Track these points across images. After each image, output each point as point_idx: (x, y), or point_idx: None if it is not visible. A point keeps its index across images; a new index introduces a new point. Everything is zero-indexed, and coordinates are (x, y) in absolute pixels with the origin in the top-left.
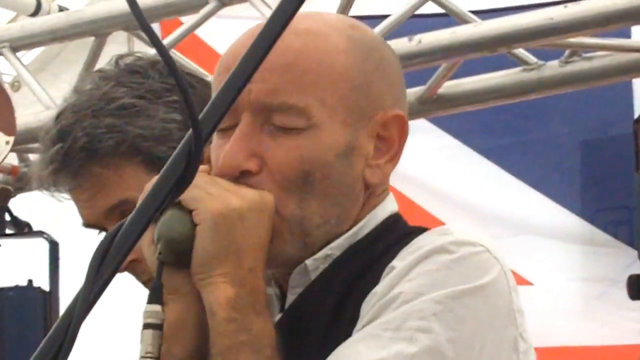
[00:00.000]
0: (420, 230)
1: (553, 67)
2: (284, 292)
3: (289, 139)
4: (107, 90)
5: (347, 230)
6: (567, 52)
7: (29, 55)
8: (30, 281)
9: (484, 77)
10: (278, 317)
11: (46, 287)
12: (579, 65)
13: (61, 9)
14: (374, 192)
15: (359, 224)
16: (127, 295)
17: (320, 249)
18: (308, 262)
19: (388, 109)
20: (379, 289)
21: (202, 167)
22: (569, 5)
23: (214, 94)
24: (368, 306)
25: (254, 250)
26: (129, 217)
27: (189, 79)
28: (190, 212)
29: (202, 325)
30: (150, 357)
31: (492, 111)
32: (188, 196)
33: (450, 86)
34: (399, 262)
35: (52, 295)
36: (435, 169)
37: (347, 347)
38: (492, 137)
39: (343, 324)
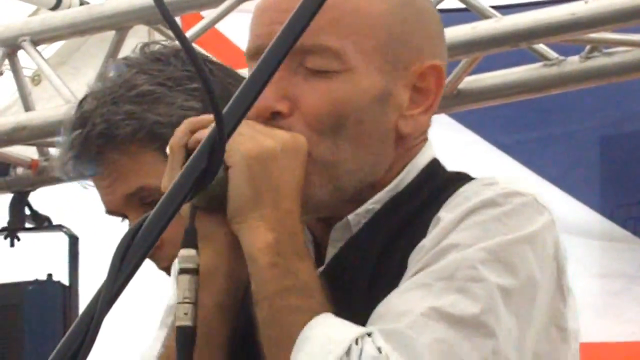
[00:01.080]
0: (461, 176)
1: (573, 63)
2: (317, 243)
3: (322, 81)
4: (129, 77)
5: (380, 179)
6: (587, 47)
7: (49, 49)
8: (49, 275)
9: (504, 72)
10: (319, 270)
11: (66, 281)
12: (599, 61)
13: (82, 3)
14: (409, 143)
15: (398, 176)
16: (148, 290)
17: (352, 196)
18: (350, 217)
19: (426, 60)
20: (426, 241)
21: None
22: (590, 0)
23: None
24: (416, 258)
25: (290, 192)
26: (152, 211)
27: (210, 66)
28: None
29: (233, 274)
30: (188, 302)
31: (512, 106)
32: None
33: (471, 81)
34: (446, 214)
35: (71, 290)
36: (454, 164)
37: (397, 296)
38: (512, 133)
39: (388, 276)
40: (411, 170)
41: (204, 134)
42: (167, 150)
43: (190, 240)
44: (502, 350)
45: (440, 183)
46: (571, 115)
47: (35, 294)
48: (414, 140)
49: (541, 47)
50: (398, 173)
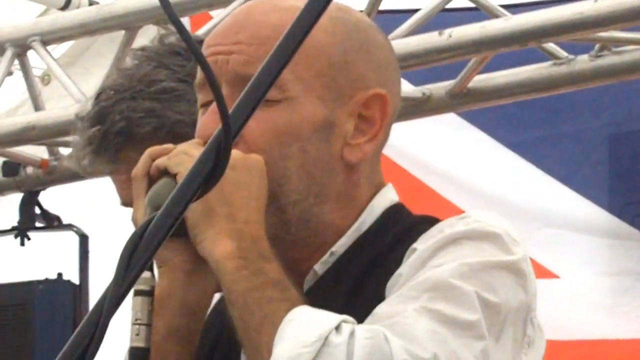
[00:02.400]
0: (429, 218)
1: (583, 61)
2: None
3: (263, 111)
4: (148, 72)
5: (335, 218)
6: (597, 46)
7: (59, 49)
8: (60, 274)
9: (514, 71)
10: None
11: (76, 280)
12: (609, 60)
13: (91, 3)
14: (358, 176)
15: (359, 218)
16: None
17: (296, 228)
18: (316, 266)
19: (371, 89)
20: (403, 270)
21: (193, 140)
22: None
23: (199, 95)
24: (396, 286)
25: (246, 205)
26: (159, 211)
27: None
28: (175, 176)
29: (188, 302)
30: (140, 324)
31: (521, 105)
32: (172, 162)
33: (481, 80)
34: (421, 245)
35: (81, 289)
36: (463, 162)
37: (383, 306)
38: (521, 131)
39: (360, 310)
40: (372, 212)
41: (163, 161)
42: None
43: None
44: (490, 353)
45: (406, 225)
46: (580, 114)
47: (45, 293)
48: (364, 176)
49: (551, 46)
50: (356, 214)
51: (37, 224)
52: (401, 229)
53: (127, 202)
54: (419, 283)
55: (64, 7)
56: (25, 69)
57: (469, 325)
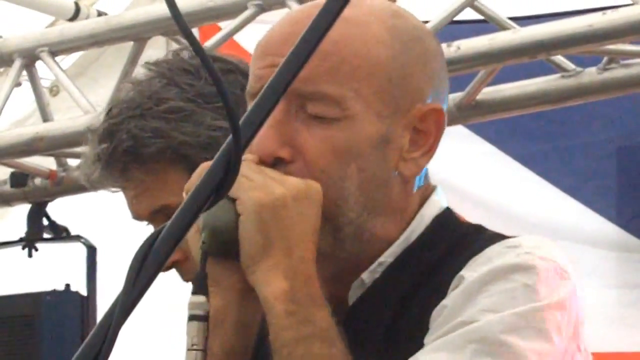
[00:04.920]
0: (478, 230)
1: (591, 74)
2: (339, 304)
3: (322, 128)
4: (158, 89)
5: (386, 229)
6: (605, 59)
7: (67, 60)
8: (67, 285)
9: (522, 83)
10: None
11: (84, 291)
12: (617, 72)
13: (100, 14)
14: (411, 187)
15: (408, 227)
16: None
17: (351, 245)
18: (364, 275)
19: (426, 102)
20: (448, 301)
21: (250, 156)
22: (608, 12)
23: (250, 76)
24: (439, 320)
25: (303, 239)
26: (168, 222)
27: (241, 79)
28: (234, 201)
29: (242, 321)
30: (197, 350)
31: (529, 117)
32: (234, 185)
33: (489, 92)
34: (469, 273)
35: (89, 300)
36: (471, 175)
37: (425, 354)
38: (529, 144)
39: (405, 331)
40: (421, 221)
41: None
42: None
43: (200, 286)
44: None
45: (456, 237)
46: (588, 127)
47: (53, 304)
48: (417, 185)
49: (559, 58)
50: (406, 223)
51: (45, 235)
52: (449, 241)
53: (137, 216)
54: (466, 332)
55: (73, 18)
56: (33, 79)
57: None
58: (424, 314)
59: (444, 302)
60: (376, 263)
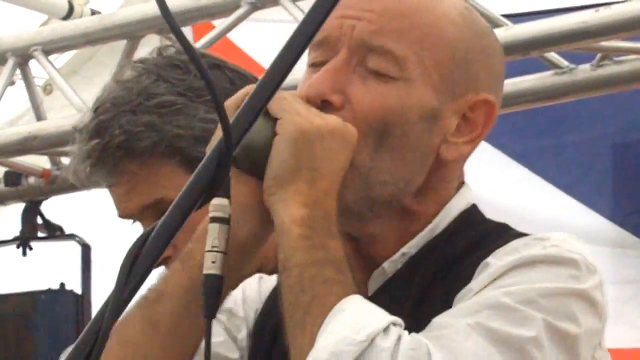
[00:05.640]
0: (503, 227)
1: (585, 71)
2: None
3: (378, 84)
4: (148, 85)
5: (411, 206)
6: (598, 55)
7: (61, 59)
8: (62, 284)
9: (515, 80)
10: None
11: (78, 290)
12: (610, 69)
13: (93, 13)
14: (447, 173)
15: (434, 219)
16: None
17: (380, 207)
18: (385, 264)
19: (481, 92)
20: (474, 284)
21: (291, 92)
22: (601, 9)
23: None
24: (464, 300)
25: (331, 174)
26: (160, 221)
27: (230, 74)
28: (275, 121)
29: (237, 239)
30: (217, 251)
31: (523, 114)
32: (278, 105)
33: None
34: (495, 260)
35: (84, 298)
36: (465, 171)
37: (441, 317)
38: (523, 140)
39: (426, 321)
40: (447, 215)
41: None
42: None
43: (223, 189)
44: None
45: (479, 232)
46: (582, 123)
47: (48, 303)
48: (453, 173)
49: (552, 55)
50: (436, 210)
51: (40, 234)
52: (474, 236)
53: (125, 214)
54: (483, 299)
55: (66, 17)
56: (27, 78)
57: (523, 350)
58: (446, 303)
59: (469, 285)
60: (399, 253)
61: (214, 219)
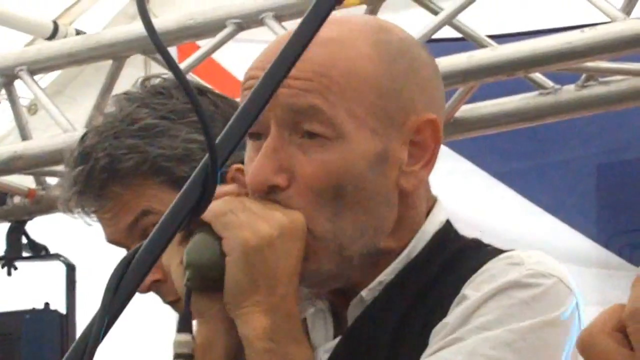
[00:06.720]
0: (474, 244)
1: (570, 92)
2: (337, 313)
3: (317, 151)
4: (131, 112)
5: (388, 243)
6: (583, 76)
7: (46, 79)
8: (47, 304)
9: (500, 100)
10: (335, 341)
11: (63, 310)
12: (595, 90)
13: (78, 33)
14: (413, 200)
15: (410, 244)
16: (145, 318)
17: (359, 261)
18: (363, 292)
19: (421, 113)
20: (450, 319)
21: (231, 188)
22: (586, 30)
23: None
24: (439, 335)
25: (286, 277)
26: (145, 241)
27: (213, 98)
28: (220, 238)
29: (231, 348)
30: None
31: (508, 134)
32: (218, 222)
33: (467, 110)
34: (471, 292)
35: (68, 318)
36: (450, 192)
37: None
38: (507, 161)
39: (407, 349)
40: (422, 238)
41: (209, 217)
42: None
43: (185, 324)
44: None
45: (452, 252)
46: (567, 144)
47: (32, 323)
48: (419, 198)
49: (537, 75)
50: (409, 238)
51: (24, 254)
52: (447, 257)
53: (112, 238)
54: (458, 348)
55: (51, 37)
56: (12, 98)
57: None
58: (424, 332)
59: (446, 320)
60: (376, 281)
61: (178, 356)
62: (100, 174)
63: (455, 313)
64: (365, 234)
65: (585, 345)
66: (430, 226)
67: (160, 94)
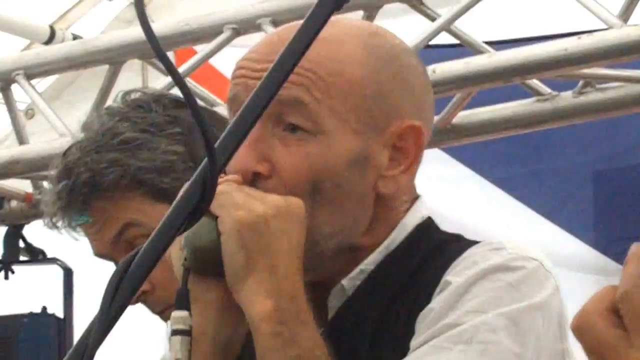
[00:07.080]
0: (457, 238)
1: (567, 98)
2: (318, 304)
3: (298, 144)
4: (111, 126)
5: (364, 240)
6: (580, 83)
7: (43, 83)
8: (44, 308)
9: (497, 107)
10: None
11: (60, 314)
12: (592, 96)
13: (75, 37)
14: (392, 203)
15: (390, 235)
16: (141, 326)
17: (330, 259)
18: (344, 281)
19: (405, 119)
20: (435, 304)
21: (231, 176)
22: (583, 36)
23: (229, 112)
24: (425, 322)
25: (286, 256)
26: (144, 244)
27: (204, 106)
28: (217, 218)
29: (221, 340)
30: None
31: (505, 141)
32: (215, 202)
33: (465, 116)
34: (455, 277)
35: (66, 322)
36: (448, 198)
37: (415, 356)
38: (505, 167)
39: (391, 338)
40: (402, 230)
41: None
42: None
43: (182, 301)
44: None
45: (435, 243)
46: (564, 150)
47: (29, 327)
48: (399, 200)
49: (534, 82)
50: (387, 233)
51: (22, 258)
52: (429, 248)
53: (98, 251)
54: (452, 335)
55: (48, 42)
56: (9, 102)
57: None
58: (408, 320)
59: (430, 305)
60: (357, 270)
61: (176, 332)
62: (82, 188)
63: (440, 298)
64: (339, 232)
65: (580, 328)
66: (411, 219)
67: (140, 108)
